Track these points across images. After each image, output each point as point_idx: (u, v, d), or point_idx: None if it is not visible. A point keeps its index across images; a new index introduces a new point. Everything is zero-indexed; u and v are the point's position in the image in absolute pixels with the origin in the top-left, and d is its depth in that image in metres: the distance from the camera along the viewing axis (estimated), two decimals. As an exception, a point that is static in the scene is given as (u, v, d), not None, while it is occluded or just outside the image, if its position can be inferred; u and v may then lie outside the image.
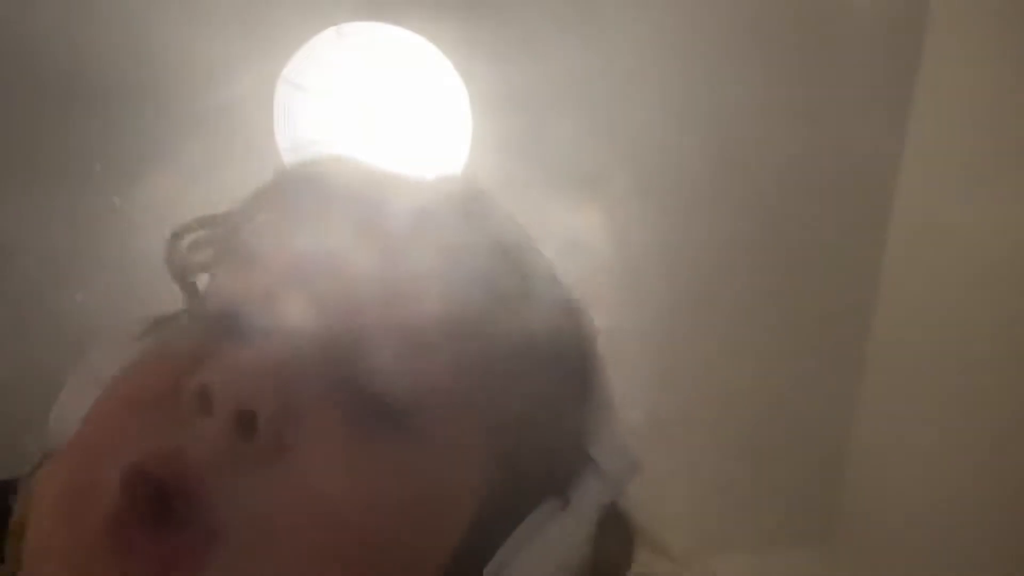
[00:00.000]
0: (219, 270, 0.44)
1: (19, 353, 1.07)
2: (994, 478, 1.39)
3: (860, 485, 1.55)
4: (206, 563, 0.35)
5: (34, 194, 1.17)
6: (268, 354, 0.37)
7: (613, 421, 0.44)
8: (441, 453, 0.38)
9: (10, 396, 0.89)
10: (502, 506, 0.39)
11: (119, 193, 1.16)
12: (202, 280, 0.46)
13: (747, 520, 1.58)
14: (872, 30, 1.23)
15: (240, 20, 1.21)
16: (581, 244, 1.29)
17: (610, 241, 1.26)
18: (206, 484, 0.36)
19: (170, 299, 0.52)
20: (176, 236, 0.47)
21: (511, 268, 0.42)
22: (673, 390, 1.43)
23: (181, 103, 1.22)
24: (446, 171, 0.49)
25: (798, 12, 1.23)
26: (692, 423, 1.48)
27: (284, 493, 0.36)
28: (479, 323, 0.39)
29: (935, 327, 1.40)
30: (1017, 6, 1.17)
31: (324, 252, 0.39)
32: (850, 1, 1.22)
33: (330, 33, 1.23)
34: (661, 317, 1.37)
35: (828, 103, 1.28)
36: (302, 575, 0.36)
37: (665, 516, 1.67)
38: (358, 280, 0.39)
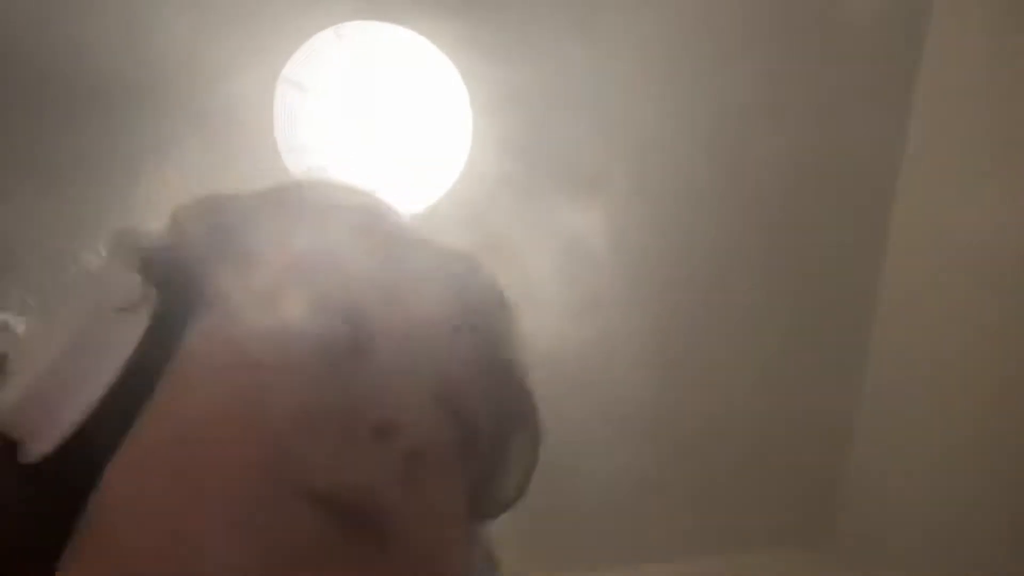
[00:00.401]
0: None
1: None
2: (993, 479, 1.39)
3: (860, 485, 1.55)
4: (379, 560, 0.39)
5: (35, 194, 1.17)
6: (414, 384, 0.42)
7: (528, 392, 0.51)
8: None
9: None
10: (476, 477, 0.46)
11: (120, 192, 1.16)
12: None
13: (747, 520, 1.58)
14: (873, 30, 1.23)
15: (240, 20, 1.21)
16: (581, 243, 1.29)
17: (610, 240, 1.26)
18: (392, 503, 0.40)
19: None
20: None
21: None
22: (673, 389, 1.43)
23: (181, 102, 1.22)
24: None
25: (799, 12, 1.23)
26: (692, 422, 1.48)
27: (423, 510, 0.41)
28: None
29: (936, 326, 1.40)
30: (1019, 3, 1.17)
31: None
32: (848, 10, 1.22)
33: (330, 32, 1.23)
34: (662, 315, 1.37)
35: (829, 102, 1.28)
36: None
37: (666, 516, 1.67)
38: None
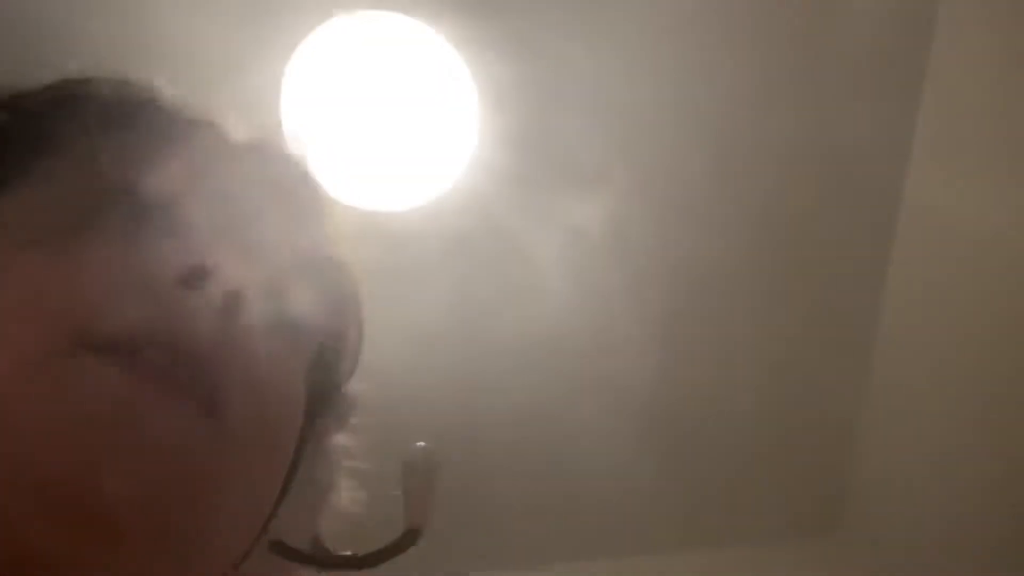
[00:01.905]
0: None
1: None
2: (999, 470, 1.39)
3: (866, 477, 1.55)
4: (211, 432, 0.38)
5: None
6: (244, 249, 0.42)
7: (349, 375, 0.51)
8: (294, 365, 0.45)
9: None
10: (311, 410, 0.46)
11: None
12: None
13: (754, 512, 1.58)
14: (879, 24, 1.22)
15: (247, 9, 1.20)
16: (585, 236, 1.28)
17: (614, 233, 1.25)
18: (204, 355, 0.38)
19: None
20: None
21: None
22: (676, 382, 1.42)
23: (188, 94, 1.22)
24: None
25: (805, 6, 1.22)
26: (695, 415, 1.48)
27: (253, 374, 0.40)
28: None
29: (943, 320, 1.39)
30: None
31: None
32: (854, 6, 1.21)
33: (337, 23, 1.23)
34: (665, 308, 1.37)
35: (835, 98, 1.27)
36: (266, 441, 0.41)
37: (673, 508, 1.67)
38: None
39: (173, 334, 0.38)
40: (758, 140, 1.29)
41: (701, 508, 1.55)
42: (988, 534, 1.42)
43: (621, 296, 1.33)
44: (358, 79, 1.25)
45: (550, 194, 1.24)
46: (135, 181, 0.43)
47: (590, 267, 1.27)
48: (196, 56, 1.18)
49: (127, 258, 0.40)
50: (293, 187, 0.48)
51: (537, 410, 1.39)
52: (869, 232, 1.36)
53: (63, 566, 0.36)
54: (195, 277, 0.39)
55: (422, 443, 0.50)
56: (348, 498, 0.50)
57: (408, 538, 0.47)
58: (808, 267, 1.39)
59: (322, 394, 0.47)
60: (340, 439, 0.50)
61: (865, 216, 1.35)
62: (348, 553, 0.48)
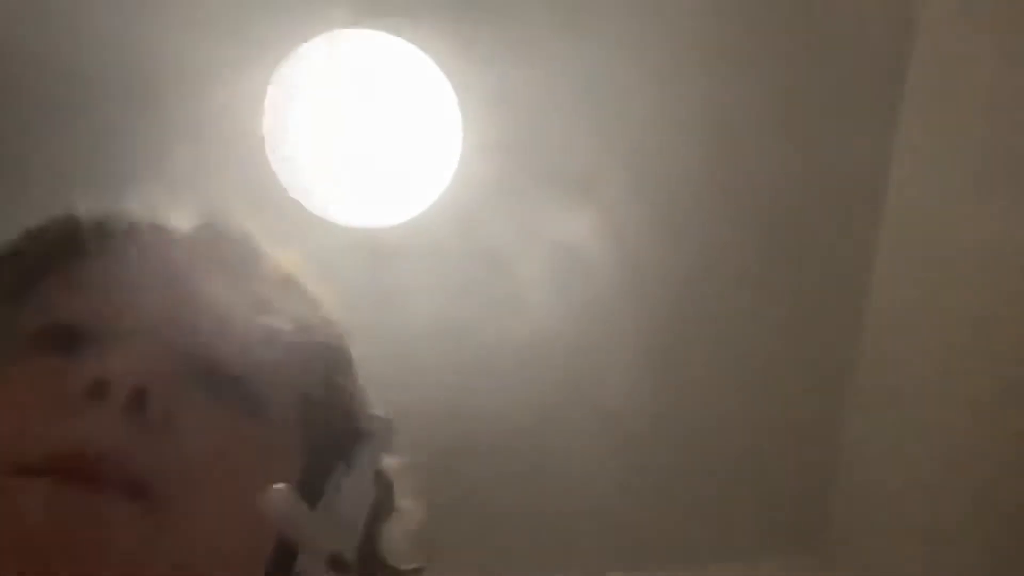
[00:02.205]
0: (57, 290, 0.51)
1: None
2: (983, 487, 1.39)
3: (850, 492, 1.55)
4: (137, 515, 0.43)
5: (21, 201, 1.16)
6: (149, 345, 0.47)
7: (368, 402, 0.55)
8: (277, 426, 0.50)
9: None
10: (313, 470, 0.48)
11: (106, 199, 1.15)
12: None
13: (737, 528, 1.57)
14: (861, 41, 1.23)
15: (231, 26, 1.21)
16: (571, 249, 1.29)
17: (600, 246, 1.26)
18: (120, 452, 0.43)
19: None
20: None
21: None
22: (661, 398, 1.42)
23: (171, 108, 1.22)
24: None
25: (788, 20, 1.23)
26: (680, 429, 1.48)
27: (177, 452, 0.45)
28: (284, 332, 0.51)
29: (924, 334, 1.40)
30: (1004, 19, 1.18)
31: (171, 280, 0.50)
32: (839, 12, 1.23)
33: (319, 40, 1.23)
34: (651, 321, 1.37)
35: (818, 109, 1.28)
36: (200, 519, 0.45)
37: (655, 524, 1.67)
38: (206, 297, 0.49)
39: (88, 443, 0.43)
40: (744, 154, 1.30)
41: (683, 524, 1.55)
42: (970, 549, 1.42)
43: (607, 309, 1.34)
44: (341, 96, 1.25)
45: (534, 207, 1.25)
46: (57, 312, 0.49)
47: (575, 280, 1.28)
48: (182, 70, 1.18)
49: (40, 385, 0.46)
50: (235, 262, 0.52)
51: (523, 424, 1.39)
52: (851, 249, 1.37)
53: None
54: (98, 388, 0.44)
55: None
56: (412, 518, 0.53)
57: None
58: (791, 285, 1.40)
59: (330, 435, 0.49)
60: (389, 462, 0.52)
61: (848, 228, 1.36)
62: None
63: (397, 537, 0.52)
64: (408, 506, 0.54)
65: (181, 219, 0.54)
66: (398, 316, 1.28)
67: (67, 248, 0.51)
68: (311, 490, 0.46)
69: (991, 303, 1.31)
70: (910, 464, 1.45)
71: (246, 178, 1.27)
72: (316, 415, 0.51)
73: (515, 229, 1.24)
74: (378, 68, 1.25)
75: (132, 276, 0.50)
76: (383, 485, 0.51)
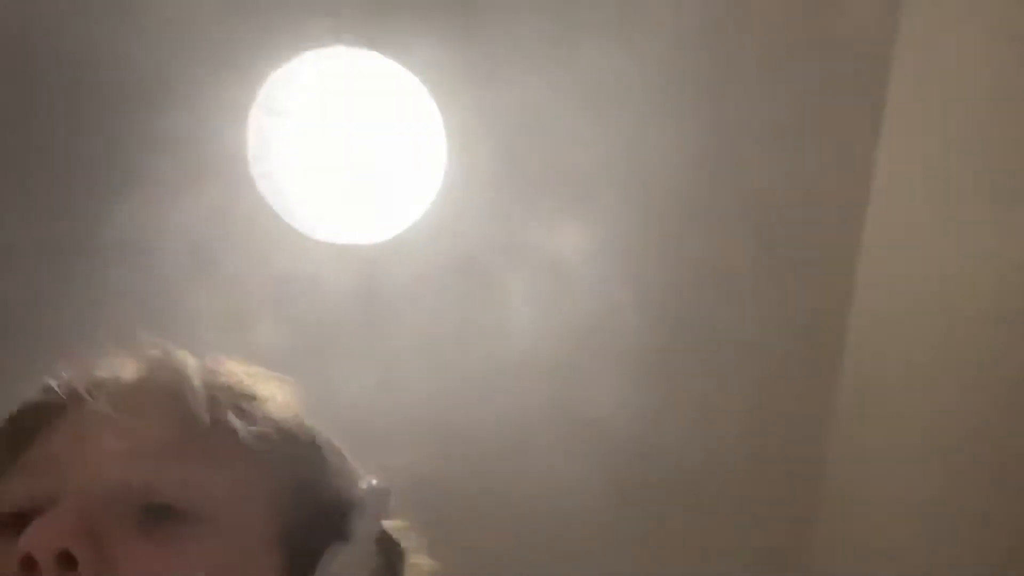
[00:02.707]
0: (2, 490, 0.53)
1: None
2: (968, 512, 1.40)
3: (836, 516, 1.55)
4: None
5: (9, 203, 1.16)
6: (65, 506, 0.49)
7: (355, 472, 0.56)
8: (234, 535, 0.51)
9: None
10: (301, 554, 0.52)
11: (92, 216, 1.15)
12: None
13: (723, 549, 1.57)
14: (839, 64, 1.25)
15: (214, 45, 1.21)
16: (555, 267, 1.29)
17: (584, 260, 1.26)
18: None
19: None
20: None
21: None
22: (650, 411, 1.43)
23: (156, 127, 1.22)
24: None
25: (769, 44, 1.24)
26: (669, 450, 1.48)
27: None
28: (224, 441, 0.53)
29: (907, 353, 1.40)
30: (982, 39, 1.19)
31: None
32: (821, 32, 1.24)
33: (304, 58, 1.24)
34: (636, 339, 1.38)
35: (810, 117, 1.28)
36: None
37: (642, 544, 1.66)
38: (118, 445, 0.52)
39: None
40: (725, 178, 1.31)
41: (668, 549, 1.55)
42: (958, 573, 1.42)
43: (592, 324, 1.34)
44: (326, 114, 1.25)
45: (518, 225, 1.25)
46: (7, 499, 0.52)
47: (560, 295, 1.28)
48: (165, 88, 1.18)
49: None
50: (178, 396, 0.54)
51: (509, 439, 1.39)
52: (829, 284, 1.38)
53: None
54: (26, 563, 0.47)
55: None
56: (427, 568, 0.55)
57: None
58: (775, 305, 1.40)
59: (314, 520, 0.52)
60: (389, 524, 0.54)
61: (831, 246, 1.37)
62: None
63: None
64: (422, 562, 0.55)
65: (127, 368, 0.56)
66: (384, 332, 1.28)
67: (19, 435, 0.54)
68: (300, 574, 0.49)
69: (973, 331, 1.32)
70: (897, 487, 1.45)
71: (231, 196, 1.27)
72: (288, 510, 0.53)
73: (500, 245, 1.25)
74: (363, 86, 1.25)
75: (67, 446, 0.52)
76: (387, 548, 0.54)
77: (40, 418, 0.55)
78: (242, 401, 0.55)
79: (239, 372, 0.56)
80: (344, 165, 1.26)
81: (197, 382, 0.54)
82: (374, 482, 0.55)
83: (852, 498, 1.52)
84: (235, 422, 0.53)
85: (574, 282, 1.27)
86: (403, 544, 0.55)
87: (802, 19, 1.23)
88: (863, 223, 1.33)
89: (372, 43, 1.24)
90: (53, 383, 0.56)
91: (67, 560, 0.47)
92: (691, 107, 1.27)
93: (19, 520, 0.50)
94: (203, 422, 0.52)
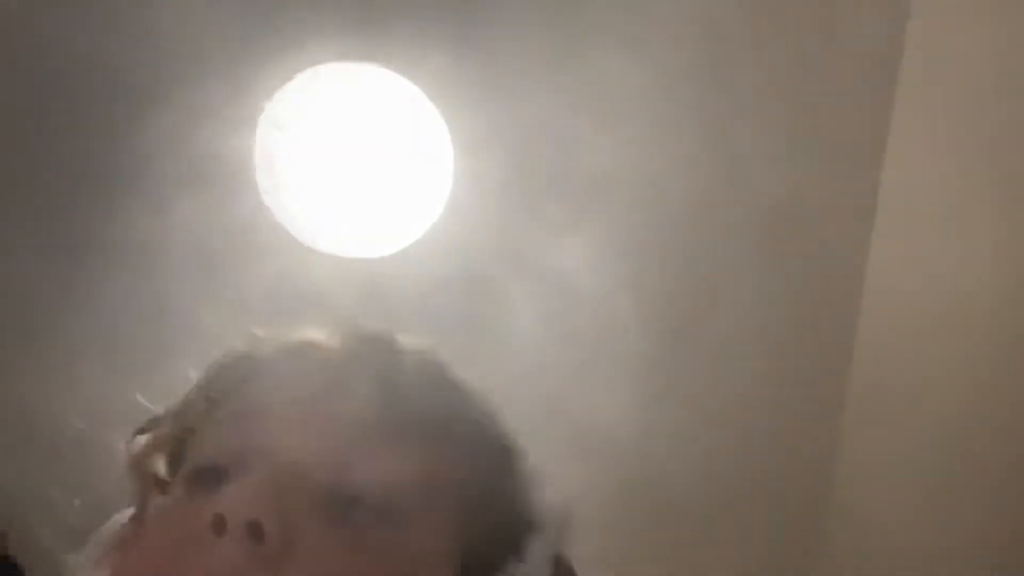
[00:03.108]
0: (199, 440, 0.53)
1: None
2: (977, 519, 1.39)
3: (843, 525, 1.55)
4: None
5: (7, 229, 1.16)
6: (262, 477, 0.48)
7: (542, 490, 0.55)
8: (418, 536, 0.49)
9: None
10: (475, 571, 0.50)
11: (97, 227, 1.15)
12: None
13: (731, 560, 1.57)
14: (845, 74, 1.24)
15: (221, 61, 1.21)
16: (561, 279, 1.29)
17: (590, 276, 1.26)
18: None
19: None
20: (136, 437, 0.57)
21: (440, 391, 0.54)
22: (656, 422, 1.42)
23: (161, 141, 1.22)
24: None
25: (777, 53, 1.24)
26: (673, 460, 1.47)
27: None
28: (427, 433, 0.51)
29: (915, 365, 1.40)
30: (991, 46, 1.19)
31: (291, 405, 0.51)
32: (828, 40, 1.24)
33: (310, 73, 1.24)
34: (643, 352, 1.37)
35: (803, 155, 1.29)
36: None
37: (650, 555, 1.65)
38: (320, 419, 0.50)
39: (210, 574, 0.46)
40: (724, 191, 1.30)
41: (674, 555, 1.54)
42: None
43: (600, 338, 1.33)
44: (332, 129, 1.26)
45: (525, 239, 1.25)
46: (203, 454, 0.51)
47: (565, 312, 1.28)
48: (171, 104, 1.18)
49: (179, 524, 0.49)
50: (380, 373, 0.52)
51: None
52: (837, 292, 1.38)
53: None
54: (217, 524, 0.46)
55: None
56: None
57: None
58: (781, 317, 1.40)
59: (494, 535, 0.51)
60: (568, 548, 0.53)
61: (836, 262, 1.36)
62: None
63: None
64: None
65: (331, 335, 0.54)
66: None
67: (218, 391, 0.54)
68: None
69: (981, 340, 1.31)
70: (906, 491, 1.45)
71: (238, 211, 1.27)
72: (475, 518, 0.51)
73: (507, 259, 1.25)
74: (369, 101, 1.25)
75: (268, 406, 0.51)
76: (562, 571, 0.53)
77: (240, 372, 0.53)
78: (449, 391, 0.53)
79: (445, 357, 0.54)
80: (350, 179, 1.26)
81: (410, 364, 0.52)
82: (557, 500, 0.54)
83: (860, 506, 1.52)
84: (441, 413, 0.51)
85: (581, 293, 1.27)
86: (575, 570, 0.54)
87: (810, 28, 1.23)
88: (871, 231, 1.32)
89: (379, 58, 1.24)
90: (259, 338, 0.55)
91: (255, 531, 0.46)
92: (698, 116, 1.27)
93: (212, 475, 0.50)
94: (409, 409, 0.50)
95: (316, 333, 0.54)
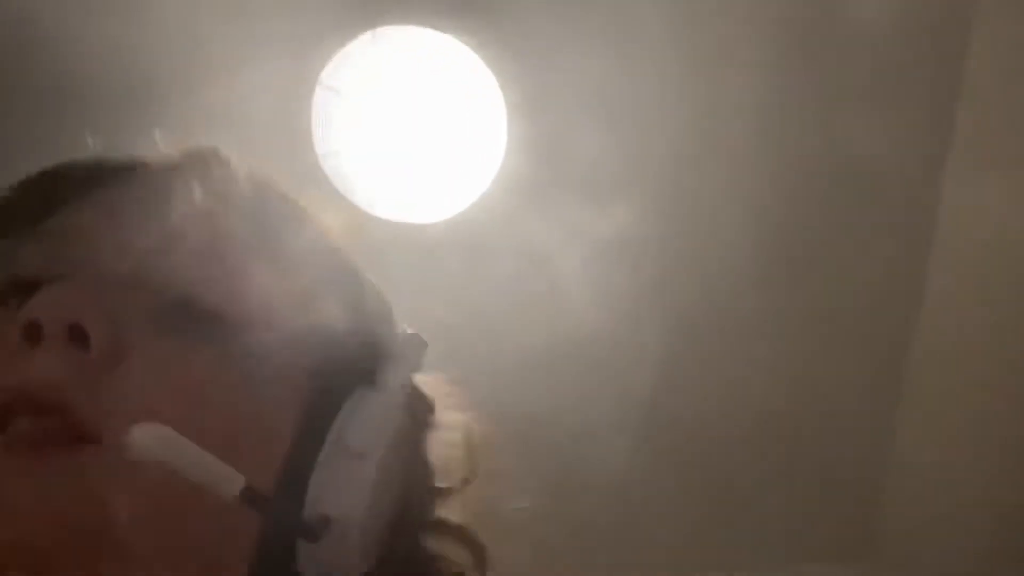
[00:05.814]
0: (14, 249, 0.48)
1: None
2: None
3: (900, 501, 1.53)
4: (87, 464, 0.40)
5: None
6: (80, 279, 0.43)
7: (391, 316, 0.51)
8: (258, 348, 0.45)
9: None
10: (326, 394, 0.46)
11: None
12: None
13: (787, 536, 1.55)
14: (917, 25, 1.21)
15: (277, 25, 1.22)
16: (609, 245, 1.28)
17: (637, 244, 1.25)
18: (60, 390, 0.40)
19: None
20: None
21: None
22: (704, 396, 1.41)
23: (219, 108, 1.23)
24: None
25: (834, 15, 1.21)
26: (730, 439, 1.46)
27: (130, 393, 0.41)
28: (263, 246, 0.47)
29: (977, 342, 1.37)
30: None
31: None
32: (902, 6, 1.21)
33: (366, 37, 1.24)
34: (689, 318, 1.36)
35: (860, 106, 1.26)
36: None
37: (694, 530, 1.64)
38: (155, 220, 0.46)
39: (26, 384, 0.41)
40: (780, 148, 1.28)
41: (730, 529, 1.53)
42: (1020, 561, 1.39)
43: (642, 306, 1.33)
44: (387, 93, 1.26)
45: (574, 205, 1.24)
46: (18, 265, 0.46)
47: (611, 277, 1.27)
48: (229, 70, 1.19)
49: None
50: (226, 191, 0.48)
51: (559, 421, 1.38)
52: (903, 245, 1.35)
53: None
54: (30, 330, 0.41)
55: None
56: (457, 431, 0.52)
57: None
58: (836, 277, 1.37)
59: (347, 362, 0.47)
60: (422, 378, 0.50)
61: (896, 230, 1.34)
62: None
63: (442, 451, 0.51)
64: (453, 418, 0.51)
65: (174, 156, 0.50)
66: (438, 311, 1.28)
67: (40, 200, 0.48)
68: (320, 420, 0.44)
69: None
70: (960, 474, 1.42)
71: (293, 173, 1.28)
72: (326, 340, 0.47)
73: (553, 227, 1.24)
74: (425, 65, 1.25)
75: (96, 221, 0.46)
76: (415, 402, 0.49)
77: (67, 188, 0.48)
78: (291, 211, 0.49)
79: (290, 188, 0.50)
80: (405, 144, 1.27)
81: (246, 182, 0.49)
82: (409, 331, 0.50)
83: (916, 492, 1.49)
84: (281, 230, 0.48)
85: (626, 261, 1.26)
86: (432, 399, 0.50)
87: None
88: (940, 187, 1.28)
89: (435, 22, 1.24)
90: (90, 154, 0.50)
91: (79, 335, 0.41)
92: (753, 84, 1.25)
93: (25, 287, 0.44)
94: (246, 222, 0.47)
95: (154, 153, 0.51)
